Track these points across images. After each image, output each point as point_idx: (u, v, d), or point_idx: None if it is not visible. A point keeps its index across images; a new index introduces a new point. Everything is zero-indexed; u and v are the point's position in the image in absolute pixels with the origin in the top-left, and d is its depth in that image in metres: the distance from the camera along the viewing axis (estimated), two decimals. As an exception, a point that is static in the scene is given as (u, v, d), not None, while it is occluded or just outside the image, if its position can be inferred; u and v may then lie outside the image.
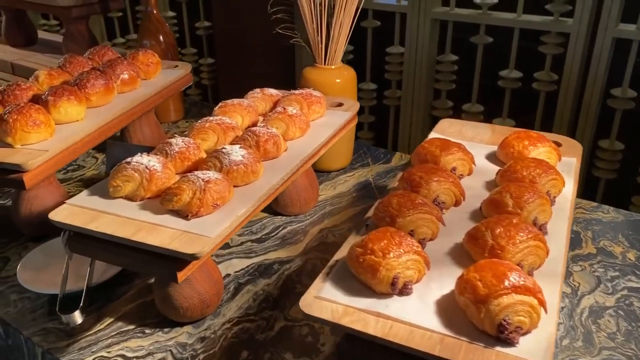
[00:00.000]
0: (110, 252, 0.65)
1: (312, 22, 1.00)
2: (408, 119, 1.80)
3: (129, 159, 0.70)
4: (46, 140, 0.84)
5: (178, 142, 0.75)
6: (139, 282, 0.80)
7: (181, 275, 0.62)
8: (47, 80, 0.96)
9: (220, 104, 0.88)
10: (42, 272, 0.79)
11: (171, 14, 2.13)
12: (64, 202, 0.70)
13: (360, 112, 1.78)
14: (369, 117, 1.90)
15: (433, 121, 1.69)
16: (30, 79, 0.98)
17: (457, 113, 1.70)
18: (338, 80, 1.04)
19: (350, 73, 1.06)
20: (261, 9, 1.17)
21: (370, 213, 0.67)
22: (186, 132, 0.82)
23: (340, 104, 0.98)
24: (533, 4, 1.48)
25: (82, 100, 0.90)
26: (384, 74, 1.82)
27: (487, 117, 1.66)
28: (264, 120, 0.85)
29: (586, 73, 1.39)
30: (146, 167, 0.68)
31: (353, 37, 1.87)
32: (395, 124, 1.87)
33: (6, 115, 0.80)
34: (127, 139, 1.09)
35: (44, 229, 0.88)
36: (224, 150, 0.72)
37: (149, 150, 0.77)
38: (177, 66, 1.16)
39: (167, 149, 0.74)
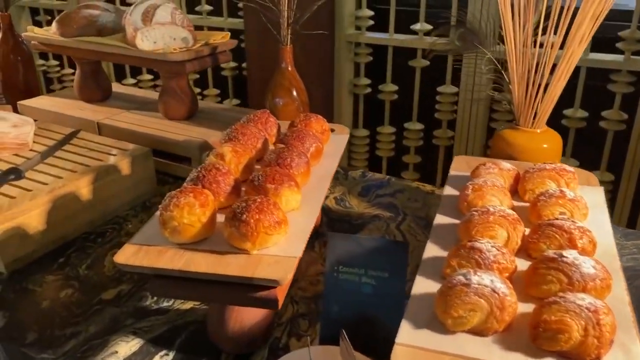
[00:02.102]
0: None
1: (523, 81, 0.86)
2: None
3: (457, 278, 0.54)
4: (280, 242, 0.66)
5: (488, 247, 0.58)
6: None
7: None
8: (235, 160, 0.78)
9: (469, 186, 0.73)
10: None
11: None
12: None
13: (405, 152, 1.79)
14: (415, 157, 1.83)
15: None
16: (209, 156, 0.80)
17: None
18: (545, 146, 0.91)
19: (556, 138, 0.92)
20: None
21: None
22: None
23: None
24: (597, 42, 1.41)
25: (299, 186, 0.73)
26: (431, 113, 1.76)
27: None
28: (535, 206, 0.70)
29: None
30: (493, 291, 0.52)
31: (397, 77, 1.82)
32: (445, 165, 1.78)
33: (244, 215, 0.62)
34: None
35: (252, 346, 0.70)
36: (565, 259, 0.56)
37: (381, 243, 0.64)
38: (334, 130, 0.99)
39: (476, 256, 0.58)
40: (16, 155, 1.07)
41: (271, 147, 0.90)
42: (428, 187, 1.15)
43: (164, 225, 0.64)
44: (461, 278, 0.52)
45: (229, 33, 1.26)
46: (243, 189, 0.75)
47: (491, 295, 0.51)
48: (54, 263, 0.92)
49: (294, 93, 1.10)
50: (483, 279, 0.52)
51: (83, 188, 0.98)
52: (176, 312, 0.80)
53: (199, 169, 0.73)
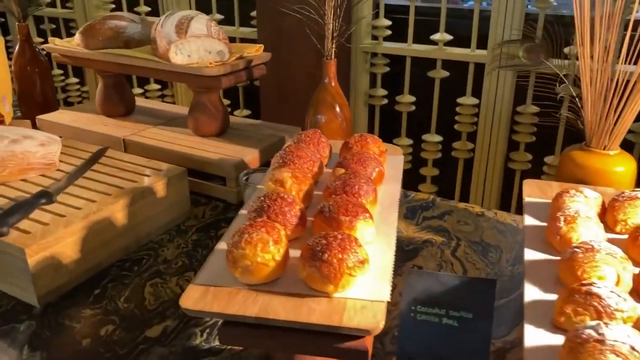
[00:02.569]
0: None
1: (598, 100, 0.80)
2: (482, 172, 1.71)
3: (587, 333, 0.47)
4: (361, 282, 0.59)
5: (607, 292, 0.52)
6: None
7: None
8: (295, 186, 0.72)
9: (560, 217, 0.66)
10: None
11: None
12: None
13: (422, 165, 1.76)
14: (433, 170, 1.79)
15: (508, 174, 1.65)
16: (267, 182, 0.73)
17: (537, 166, 1.61)
18: (619, 169, 0.84)
19: (630, 161, 0.86)
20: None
21: None
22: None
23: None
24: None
25: (372, 217, 0.66)
26: (449, 124, 1.72)
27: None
28: (636, 240, 0.63)
29: None
30: (633, 349, 0.45)
31: (414, 88, 1.77)
32: (464, 177, 1.76)
33: (325, 254, 0.55)
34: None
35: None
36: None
37: (463, 280, 0.57)
38: (386, 150, 0.93)
39: (595, 303, 0.51)
40: (43, 176, 1.00)
41: (326, 170, 0.83)
42: (477, 209, 1.09)
43: (234, 264, 0.57)
44: (592, 333, 0.46)
45: (262, 45, 1.19)
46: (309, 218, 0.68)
47: (631, 355, 0.44)
48: (90, 295, 0.84)
49: (337, 109, 1.03)
50: (618, 333, 0.45)
51: (118, 212, 0.91)
52: (229, 352, 0.73)
53: (262, 198, 0.66)
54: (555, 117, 1.47)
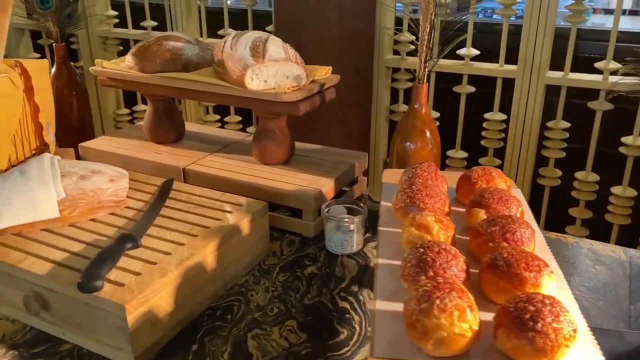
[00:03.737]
0: None
1: None
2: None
3: None
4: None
5: None
6: None
7: None
8: (443, 233, 0.63)
9: None
10: None
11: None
12: None
13: None
14: None
15: (536, 189, 1.63)
16: (409, 228, 0.65)
17: (567, 182, 1.60)
18: None
19: None
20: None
21: None
22: None
23: None
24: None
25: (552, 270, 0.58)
26: (474, 140, 1.70)
27: (605, 185, 1.54)
28: None
29: None
30: None
31: (439, 103, 1.73)
32: None
33: (539, 324, 0.47)
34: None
35: None
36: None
37: None
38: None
39: None
40: (113, 214, 0.90)
41: (455, 209, 0.75)
42: (570, 239, 1.02)
43: (425, 335, 0.48)
44: None
45: (331, 67, 1.11)
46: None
47: None
48: (188, 352, 0.75)
49: (428, 135, 0.95)
50: None
51: (209, 255, 0.81)
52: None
53: (420, 249, 0.58)
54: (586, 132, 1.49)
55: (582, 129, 1.58)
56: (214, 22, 2.04)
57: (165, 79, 1.07)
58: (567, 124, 1.55)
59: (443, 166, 1.76)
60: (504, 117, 1.65)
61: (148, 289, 0.70)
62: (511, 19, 1.62)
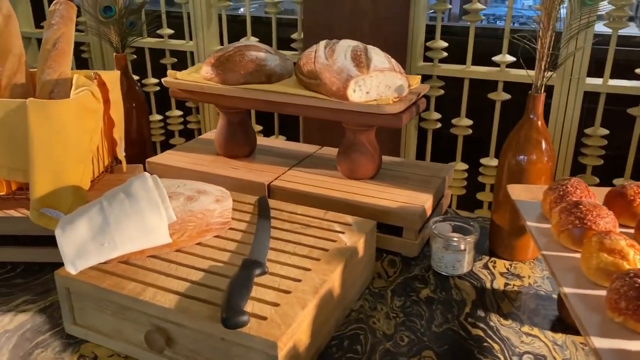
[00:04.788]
0: None
1: None
2: None
3: None
4: None
5: None
6: None
7: None
8: (638, 258, 0.58)
9: None
10: None
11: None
12: None
13: (479, 189, 1.70)
14: (490, 195, 1.71)
15: None
16: (599, 254, 0.59)
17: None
18: None
19: None
20: None
21: None
22: None
23: None
24: None
25: None
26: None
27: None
28: None
29: None
30: None
31: (471, 111, 1.70)
32: None
33: None
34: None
35: None
36: None
37: None
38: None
39: None
40: (218, 237, 0.83)
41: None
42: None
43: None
44: None
45: (420, 76, 1.05)
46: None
47: None
48: (330, 389, 0.68)
49: (544, 147, 0.90)
50: None
51: (336, 281, 0.75)
52: None
53: (635, 278, 0.52)
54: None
55: (620, 136, 1.55)
56: (236, 31, 1.98)
57: (253, 91, 1.00)
58: (605, 131, 1.52)
59: (476, 175, 1.72)
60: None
61: (294, 322, 0.64)
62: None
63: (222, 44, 2.01)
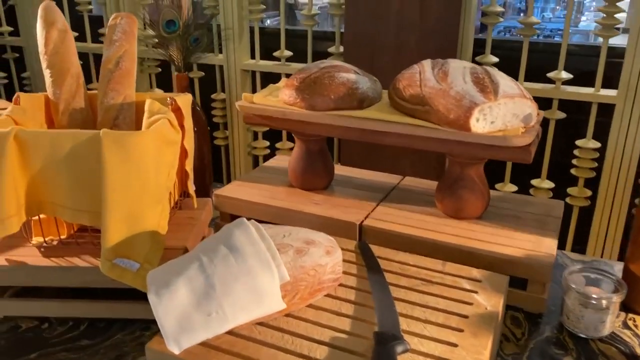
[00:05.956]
0: None
1: None
2: (605, 220, 1.58)
3: None
4: None
5: None
6: None
7: None
8: None
9: None
10: None
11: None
12: None
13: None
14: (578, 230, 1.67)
15: (631, 222, 1.50)
16: None
17: None
18: None
19: None
20: None
21: None
22: None
23: None
24: None
25: None
26: (562, 169, 1.61)
27: None
28: None
29: None
30: None
31: None
32: (579, 226, 1.62)
33: None
34: None
35: None
36: None
37: None
38: None
39: None
40: (329, 296, 0.69)
41: None
42: None
43: None
44: None
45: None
46: None
47: None
48: None
49: None
50: None
51: (485, 357, 0.61)
52: None
53: None
54: None
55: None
56: (267, 43, 1.88)
57: (347, 118, 0.87)
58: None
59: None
60: (597, 145, 1.53)
61: None
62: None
63: (252, 57, 1.90)
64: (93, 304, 0.79)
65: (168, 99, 0.83)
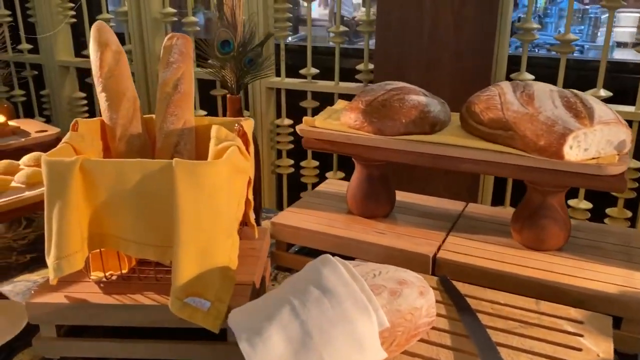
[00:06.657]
0: None
1: None
2: None
3: None
4: None
5: None
6: None
7: None
8: None
9: None
10: None
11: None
12: None
13: None
14: None
15: None
16: None
17: None
18: None
19: None
20: None
21: None
22: None
23: None
24: None
25: None
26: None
27: None
28: None
29: None
30: None
31: None
32: None
33: None
34: None
35: None
36: None
37: None
38: None
39: None
40: (422, 341, 0.63)
41: None
42: None
43: None
44: None
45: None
46: None
47: None
48: None
49: None
50: None
51: (610, 415, 0.54)
52: None
53: None
54: None
55: None
56: (293, 61, 1.84)
57: (421, 144, 0.82)
58: None
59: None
60: (638, 164, 1.46)
61: None
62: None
63: (278, 75, 1.86)
64: (156, 344, 0.73)
65: (236, 125, 0.78)
